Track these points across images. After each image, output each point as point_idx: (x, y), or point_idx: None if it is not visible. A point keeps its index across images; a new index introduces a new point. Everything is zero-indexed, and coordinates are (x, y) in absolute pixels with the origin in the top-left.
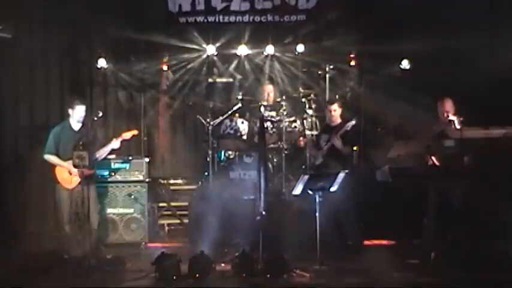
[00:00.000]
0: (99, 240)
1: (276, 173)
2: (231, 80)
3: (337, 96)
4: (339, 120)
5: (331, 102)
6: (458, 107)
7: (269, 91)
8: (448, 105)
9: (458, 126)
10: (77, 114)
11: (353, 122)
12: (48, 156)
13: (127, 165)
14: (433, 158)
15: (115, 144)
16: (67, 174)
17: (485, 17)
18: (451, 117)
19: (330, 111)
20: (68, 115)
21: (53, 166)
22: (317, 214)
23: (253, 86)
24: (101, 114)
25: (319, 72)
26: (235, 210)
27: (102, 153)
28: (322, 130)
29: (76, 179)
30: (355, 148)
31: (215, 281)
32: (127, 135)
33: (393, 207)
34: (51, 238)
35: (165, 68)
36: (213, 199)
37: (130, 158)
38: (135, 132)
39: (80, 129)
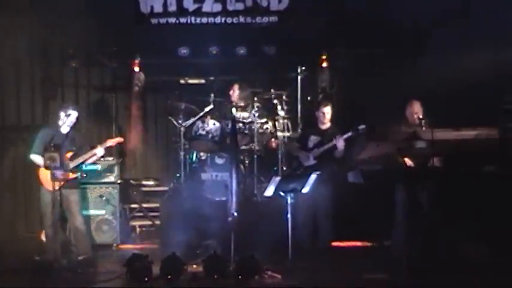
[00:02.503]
0: (89, 240)
1: (248, 174)
2: (202, 81)
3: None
4: (329, 123)
5: (325, 105)
6: (428, 108)
7: (241, 92)
8: (417, 106)
9: (424, 128)
10: (69, 120)
11: (350, 133)
12: (34, 156)
13: (98, 167)
14: (406, 159)
15: (99, 151)
16: (53, 177)
17: (456, 17)
18: (419, 118)
19: (323, 113)
20: (58, 118)
21: (37, 167)
22: (289, 215)
23: (225, 87)
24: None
25: (291, 73)
26: (207, 211)
27: (86, 158)
28: (310, 132)
29: (59, 182)
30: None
31: (187, 283)
32: (112, 141)
33: (365, 208)
34: (23, 240)
35: (136, 69)
36: (185, 200)
37: (101, 159)
38: (120, 139)
39: (68, 132)
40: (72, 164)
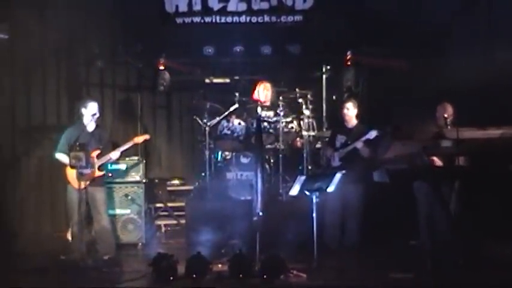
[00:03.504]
0: (114, 239)
1: (273, 173)
2: (227, 80)
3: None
4: (354, 121)
5: (345, 101)
6: (455, 107)
7: (266, 92)
8: (449, 109)
9: (449, 127)
10: (89, 112)
11: (375, 133)
12: (60, 155)
13: (124, 166)
14: (434, 158)
15: (114, 154)
16: (78, 175)
17: (484, 19)
18: (448, 121)
19: (344, 110)
20: (81, 115)
21: (64, 166)
22: (314, 215)
23: (250, 87)
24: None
25: (316, 72)
26: (232, 210)
27: (103, 160)
28: (337, 130)
29: (86, 181)
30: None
31: (212, 282)
32: (139, 139)
33: (390, 208)
34: (49, 238)
35: (161, 68)
36: (210, 200)
37: (127, 158)
38: (147, 136)
39: (93, 130)
40: (98, 162)
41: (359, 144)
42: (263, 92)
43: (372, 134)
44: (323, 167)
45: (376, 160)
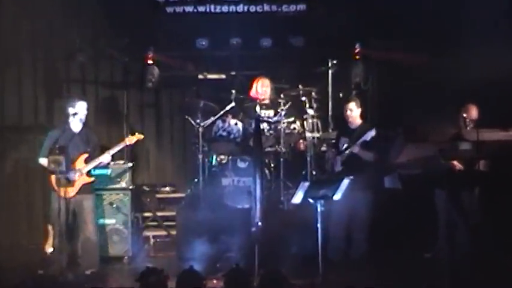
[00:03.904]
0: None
1: (274, 179)
2: (223, 76)
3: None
4: (358, 121)
5: (347, 101)
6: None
7: (266, 89)
8: (473, 112)
9: (468, 128)
10: (79, 112)
11: (372, 133)
12: (43, 160)
13: (108, 171)
14: (454, 162)
15: (105, 158)
16: (65, 182)
17: (507, 17)
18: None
19: (346, 111)
20: (68, 116)
21: (49, 172)
22: (319, 225)
23: (248, 83)
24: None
25: (321, 67)
26: (228, 220)
27: (92, 165)
28: (341, 132)
29: (74, 188)
30: None
31: None
32: (131, 140)
33: (403, 216)
34: (25, 250)
35: (150, 63)
36: (204, 208)
37: (112, 162)
38: (140, 136)
39: (80, 132)
40: (88, 167)
41: (355, 149)
42: (261, 88)
43: (368, 135)
44: (328, 173)
45: (387, 164)
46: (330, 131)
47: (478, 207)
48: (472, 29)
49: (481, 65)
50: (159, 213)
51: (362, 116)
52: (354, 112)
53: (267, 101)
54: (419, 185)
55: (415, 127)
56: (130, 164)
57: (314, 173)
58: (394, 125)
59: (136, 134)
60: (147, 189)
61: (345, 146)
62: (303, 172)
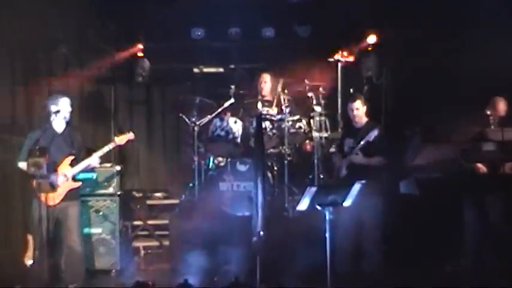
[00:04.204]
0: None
1: (277, 184)
2: (221, 70)
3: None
4: (364, 120)
5: (353, 100)
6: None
7: (268, 84)
8: (501, 105)
9: (492, 127)
10: (62, 110)
11: (375, 132)
12: (23, 164)
13: (94, 175)
14: (477, 164)
15: (94, 160)
16: (48, 187)
17: None
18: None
19: (352, 110)
20: (49, 114)
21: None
22: (327, 234)
23: (248, 78)
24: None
25: (330, 60)
26: (227, 229)
27: (79, 168)
28: (346, 133)
29: (59, 194)
30: None
31: None
32: (121, 139)
33: (421, 225)
34: (1, 263)
35: (140, 55)
36: (200, 216)
37: (98, 165)
38: (130, 136)
39: (63, 131)
40: (74, 170)
41: (357, 159)
42: (264, 84)
43: (371, 135)
44: (336, 177)
45: (402, 167)
46: (340, 130)
47: (504, 215)
48: (501, 15)
49: (509, 57)
50: (150, 222)
51: (367, 113)
52: (360, 111)
53: (269, 97)
54: (439, 190)
55: (434, 126)
56: (118, 168)
57: (322, 176)
58: (411, 124)
59: (127, 133)
60: (137, 195)
61: (354, 146)
62: (310, 176)
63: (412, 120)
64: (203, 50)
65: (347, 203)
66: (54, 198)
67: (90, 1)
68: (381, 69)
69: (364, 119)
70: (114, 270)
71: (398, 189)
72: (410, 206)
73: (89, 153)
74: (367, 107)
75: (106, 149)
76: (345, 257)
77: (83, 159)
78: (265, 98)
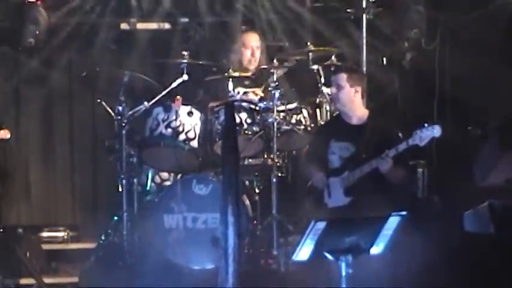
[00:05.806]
0: None
1: (260, 215)
2: (167, 26)
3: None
4: (361, 112)
5: (334, 71)
6: None
7: (251, 48)
8: None
9: None
10: None
11: (435, 131)
12: None
13: None
14: None
15: None
16: None
17: None
18: None
19: (333, 91)
20: None
21: None
22: None
23: (215, 40)
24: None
25: (348, 10)
26: None
27: None
28: (331, 132)
29: None
30: None
31: None
32: None
33: (496, 279)
34: None
35: (31, 0)
36: (129, 270)
37: None
38: (3, 133)
39: None
40: None
41: (383, 166)
42: (245, 48)
43: (424, 137)
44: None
45: (467, 189)
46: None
47: None
48: None
49: None
50: (47, 280)
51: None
52: (349, 92)
53: (248, 72)
54: None
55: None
56: None
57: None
58: (482, 119)
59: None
60: (26, 234)
61: (363, 155)
62: (313, 201)
63: (484, 113)
64: None
65: (376, 249)
66: None
67: None
68: (435, 27)
69: (362, 110)
70: None
71: (461, 224)
72: (481, 251)
73: None
74: (362, 90)
75: None
76: None
77: None
78: (242, 74)
